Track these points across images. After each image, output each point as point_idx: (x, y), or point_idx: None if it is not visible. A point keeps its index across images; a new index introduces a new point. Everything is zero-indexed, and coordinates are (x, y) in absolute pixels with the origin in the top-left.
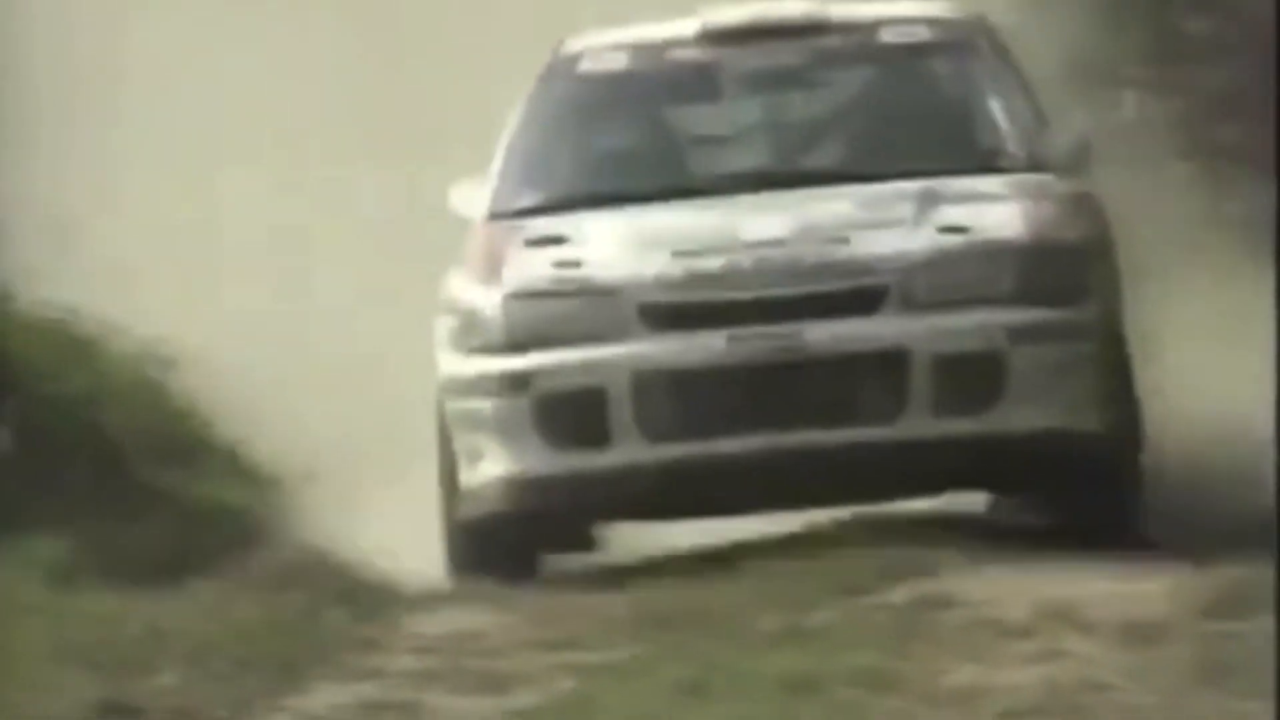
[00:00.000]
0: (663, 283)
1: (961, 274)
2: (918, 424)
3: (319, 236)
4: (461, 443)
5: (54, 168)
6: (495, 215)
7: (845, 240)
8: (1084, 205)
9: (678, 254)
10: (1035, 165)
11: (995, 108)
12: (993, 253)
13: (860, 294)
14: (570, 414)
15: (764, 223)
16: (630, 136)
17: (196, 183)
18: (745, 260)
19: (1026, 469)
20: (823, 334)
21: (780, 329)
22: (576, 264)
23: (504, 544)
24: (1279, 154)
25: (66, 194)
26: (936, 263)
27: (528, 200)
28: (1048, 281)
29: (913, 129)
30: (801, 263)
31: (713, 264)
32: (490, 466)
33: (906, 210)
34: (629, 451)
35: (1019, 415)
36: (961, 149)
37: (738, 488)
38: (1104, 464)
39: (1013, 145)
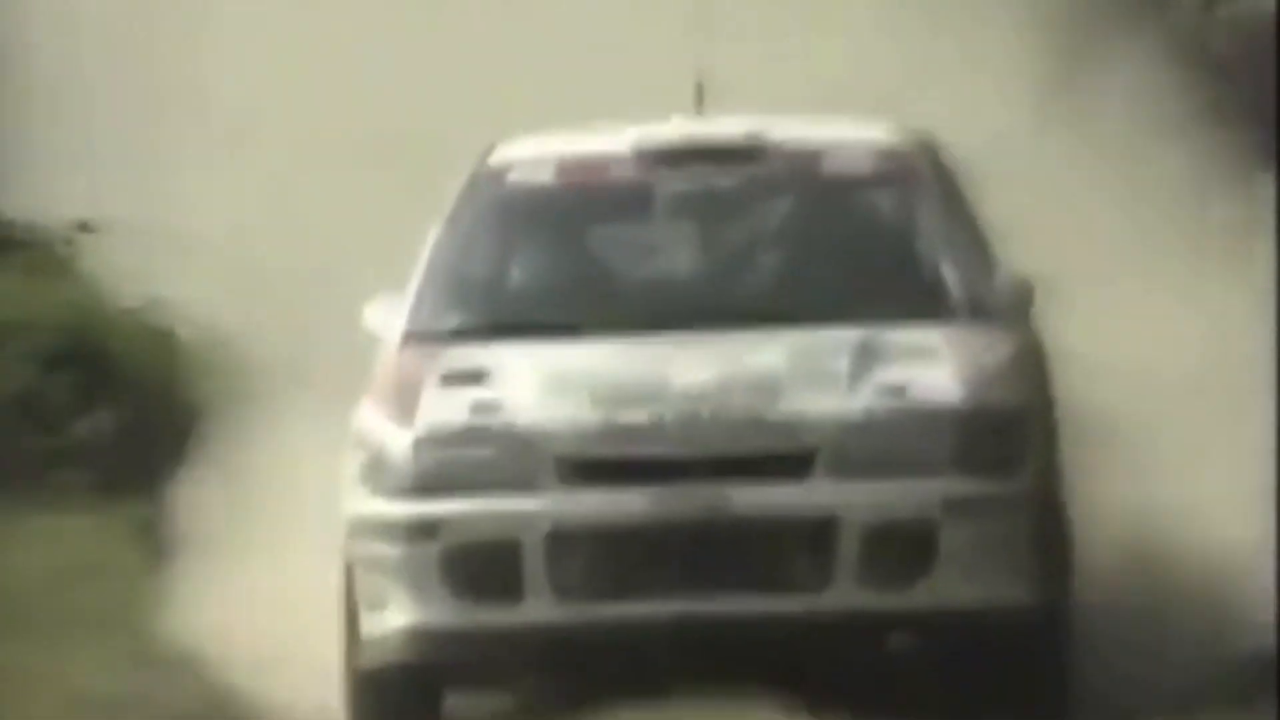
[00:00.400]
0: (583, 434)
1: (896, 440)
2: (844, 595)
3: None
4: (365, 587)
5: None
6: (411, 337)
7: (776, 396)
8: (1025, 359)
9: (599, 402)
10: (978, 311)
11: (939, 248)
12: (929, 418)
13: (790, 457)
14: (480, 566)
15: (693, 373)
16: (557, 259)
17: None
18: (669, 414)
19: (954, 643)
20: (749, 497)
21: (704, 490)
22: (494, 408)
23: (405, 696)
24: (1279, 153)
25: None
26: (870, 427)
27: (446, 323)
28: (984, 450)
29: (852, 269)
30: (729, 420)
31: (636, 416)
32: (393, 615)
33: (841, 365)
34: (540, 609)
35: (949, 588)
36: (902, 293)
37: (654, 654)
38: (1033, 638)
39: (955, 290)
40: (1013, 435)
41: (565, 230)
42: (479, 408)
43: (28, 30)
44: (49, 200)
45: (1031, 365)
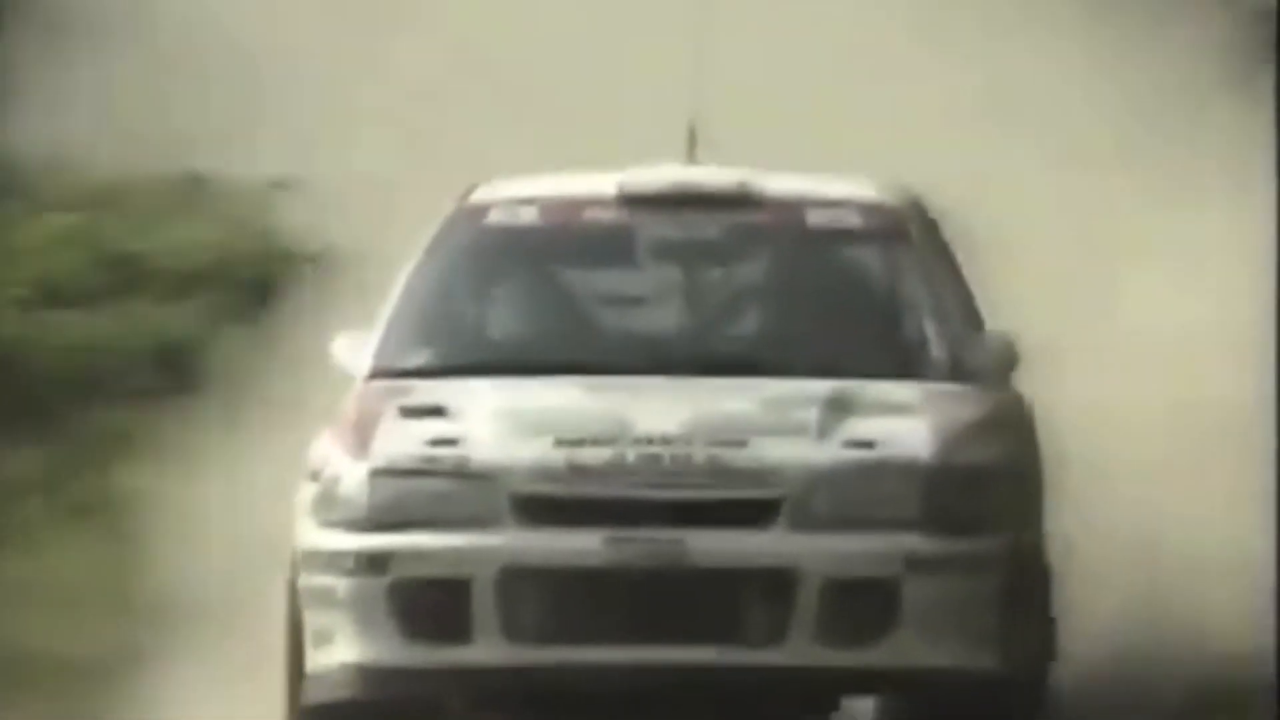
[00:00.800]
0: (540, 473)
1: (861, 494)
2: (801, 650)
3: None
4: (312, 621)
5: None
6: (377, 373)
7: (742, 444)
8: (1004, 419)
9: (561, 442)
10: (958, 372)
11: (921, 306)
12: (897, 473)
13: (751, 505)
14: (429, 603)
15: (657, 416)
16: (532, 300)
17: None
18: (631, 455)
19: (915, 705)
20: (707, 544)
21: (662, 534)
22: (451, 442)
23: None
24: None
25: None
26: (836, 480)
27: (413, 360)
28: (953, 509)
29: (831, 323)
30: (691, 464)
31: (596, 457)
32: (339, 650)
33: (811, 416)
34: (489, 651)
35: (910, 649)
36: (880, 350)
37: (603, 701)
38: (1000, 704)
39: (935, 350)
40: (983, 494)
41: (544, 271)
42: (436, 441)
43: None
44: (246, 158)
45: (1010, 425)
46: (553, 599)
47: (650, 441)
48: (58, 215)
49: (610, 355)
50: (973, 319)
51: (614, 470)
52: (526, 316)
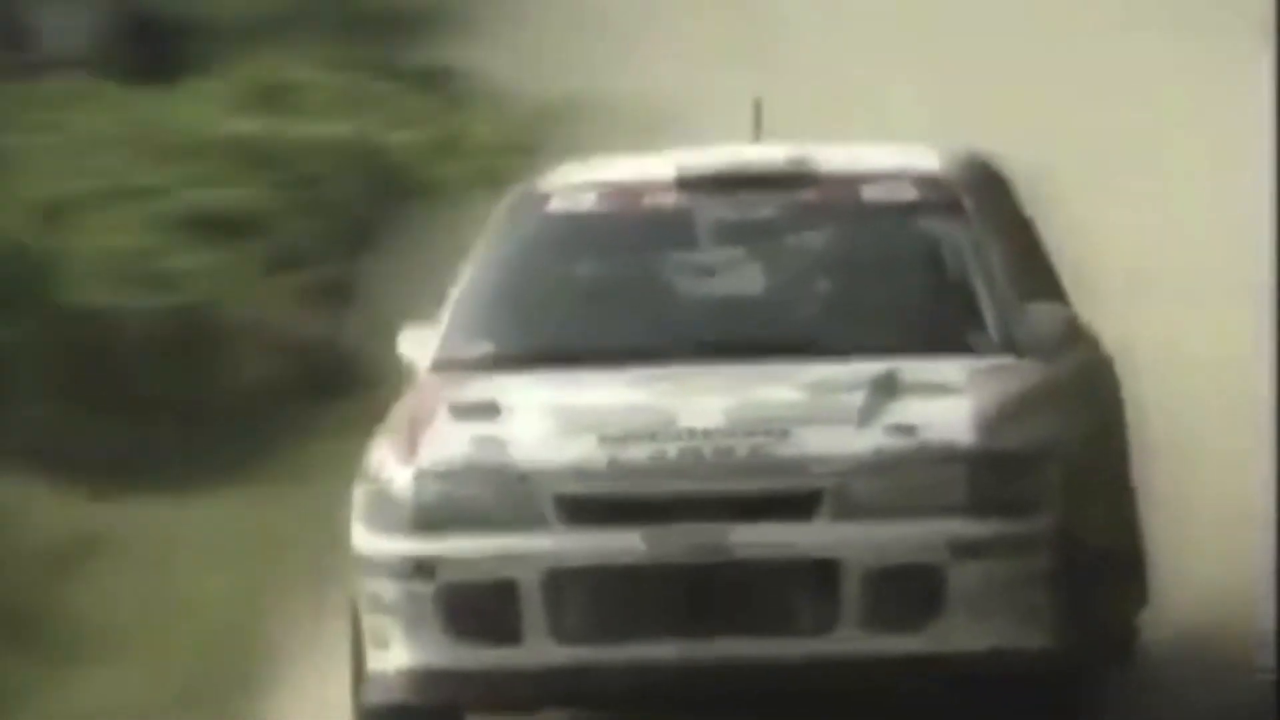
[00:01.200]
0: (583, 472)
1: (903, 481)
2: (848, 639)
3: None
4: (369, 624)
5: None
6: (439, 366)
7: (785, 434)
8: (1058, 394)
9: (605, 440)
10: (1009, 347)
11: (973, 279)
12: (939, 460)
13: (793, 497)
14: (477, 607)
15: (700, 409)
16: (591, 288)
17: None
18: (673, 451)
19: (967, 689)
20: (749, 537)
21: (704, 529)
22: (497, 443)
23: None
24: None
25: None
26: (877, 468)
27: (472, 352)
28: (997, 492)
29: (883, 300)
30: (733, 457)
31: (638, 454)
32: (393, 654)
33: (854, 401)
34: (538, 651)
35: (957, 634)
36: (928, 326)
37: (655, 697)
38: (1055, 683)
39: (985, 324)
40: (1029, 475)
41: (604, 258)
42: (481, 442)
43: None
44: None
45: (1066, 400)
46: (597, 598)
47: (693, 436)
48: None
49: (665, 342)
50: (1042, 288)
51: (655, 467)
52: (585, 305)
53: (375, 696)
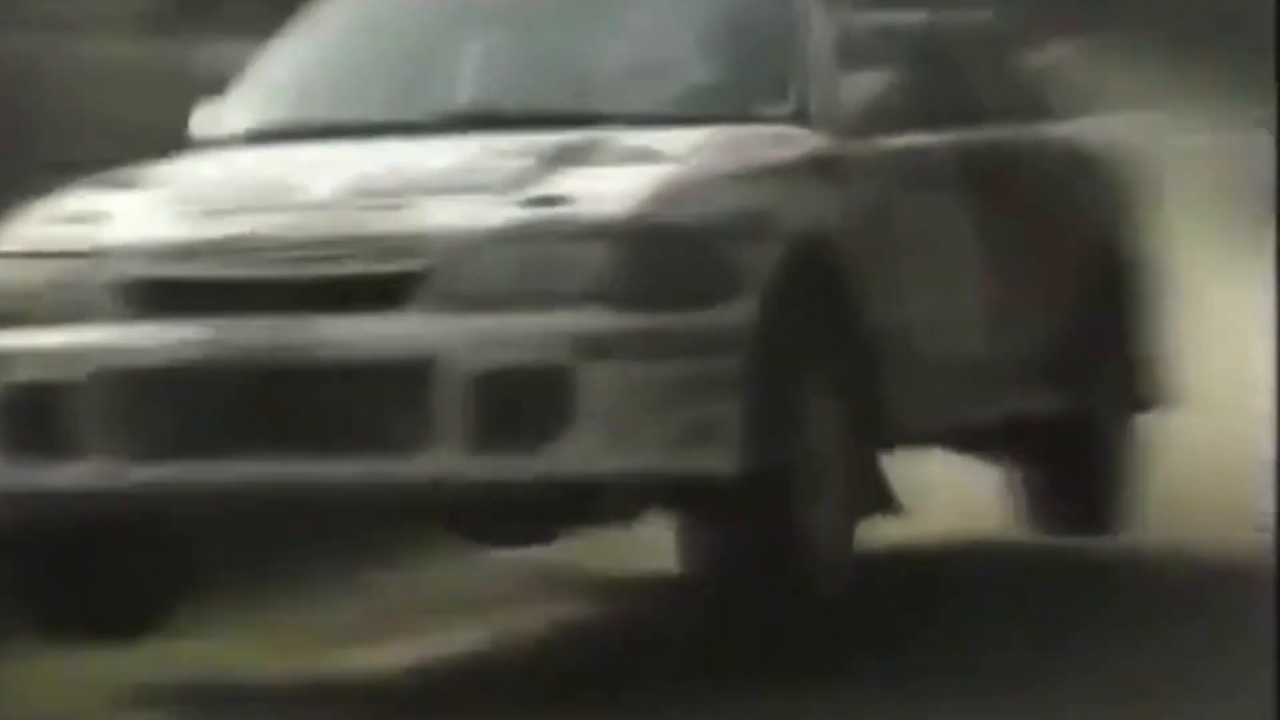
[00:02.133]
0: (158, 252)
1: (527, 263)
2: (444, 460)
3: None
4: None
5: None
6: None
7: (399, 207)
8: (816, 173)
9: (207, 215)
10: (800, 118)
11: (788, 46)
12: (578, 235)
13: (386, 281)
14: (31, 415)
15: (329, 179)
16: (377, 62)
17: None
18: (265, 228)
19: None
20: (331, 332)
21: (283, 321)
22: (95, 219)
23: None
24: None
25: None
26: (497, 245)
27: (235, 126)
28: (655, 277)
29: (665, 63)
30: (332, 235)
31: (228, 230)
32: None
33: (511, 170)
34: (92, 470)
35: (589, 453)
36: (708, 90)
37: (229, 523)
38: (734, 515)
39: (787, 92)
40: (710, 259)
41: (402, 34)
42: (76, 218)
43: None
44: None
45: (837, 178)
46: (157, 406)
47: (303, 210)
48: None
49: (423, 113)
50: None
51: (238, 246)
52: (361, 79)
53: None
